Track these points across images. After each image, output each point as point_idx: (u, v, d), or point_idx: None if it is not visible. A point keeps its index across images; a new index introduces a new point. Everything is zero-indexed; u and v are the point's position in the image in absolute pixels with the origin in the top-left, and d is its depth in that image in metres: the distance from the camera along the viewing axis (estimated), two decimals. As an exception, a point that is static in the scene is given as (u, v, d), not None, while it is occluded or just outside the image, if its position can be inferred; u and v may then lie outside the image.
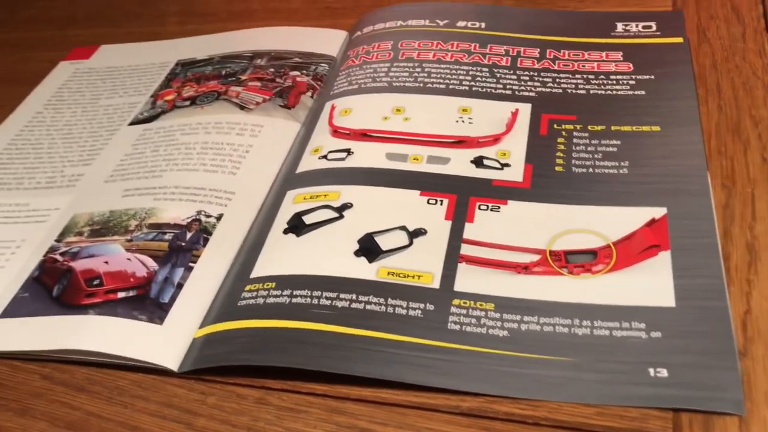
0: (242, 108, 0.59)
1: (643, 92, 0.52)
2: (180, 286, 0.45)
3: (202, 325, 0.43)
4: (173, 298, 0.44)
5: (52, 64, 0.72)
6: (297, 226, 0.46)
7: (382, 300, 0.41)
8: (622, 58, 0.55)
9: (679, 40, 0.56)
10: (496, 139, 0.50)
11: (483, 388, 0.37)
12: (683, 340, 0.37)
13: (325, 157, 0.51)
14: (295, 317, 0.41)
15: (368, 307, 0.41)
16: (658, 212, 0.43)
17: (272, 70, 0.63)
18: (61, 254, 0.49)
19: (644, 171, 0.46)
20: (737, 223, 0.43)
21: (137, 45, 0.72)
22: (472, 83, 0.55)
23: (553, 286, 0.41)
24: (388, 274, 0.42)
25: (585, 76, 0.54)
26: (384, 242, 0.44)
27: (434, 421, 0.37)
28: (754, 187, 0.45)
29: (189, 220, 0.49)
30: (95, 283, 0.46)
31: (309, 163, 0.51)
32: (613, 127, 0.49)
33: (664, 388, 0.35)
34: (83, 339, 0.43)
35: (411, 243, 0.44)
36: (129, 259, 0.47)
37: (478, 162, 0.48)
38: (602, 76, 0.54)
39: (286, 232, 0.46)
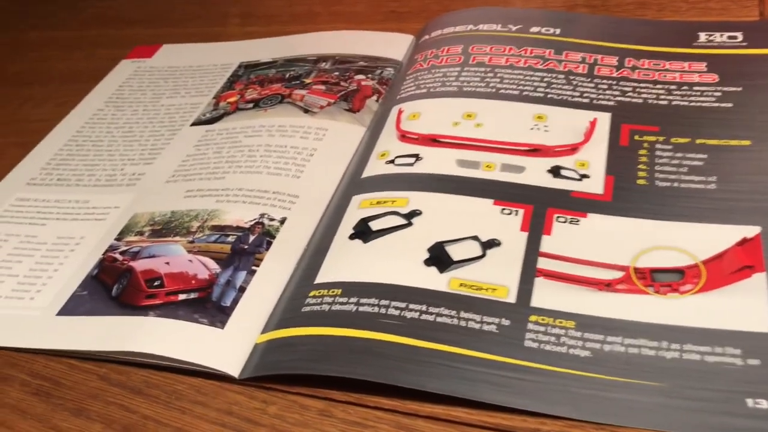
0: (306, 111, 0.57)
1: (730, 104, 0.49)
2: (242, 289, 0.44)
3: (264, 331, 0.42)
4: (235, 302, 0.43)
5: (113, 62, 0.72)
6: (364, 231, 0.45)
7: (454, 312, 0.39)
8: (706, 69, 0.52)
9: (768, 51, 0.53)
10: (573, 149, 0.47)
11: (564, 411, 0.35)
12: (785, 370, 0.34)
13: (392, 161, 0.49)
14: (363, 326, 0.39)
15: (439, 319, 0.39)
16: (751, 231, 0.40)
17: (337, 73, 0.61)
18: (121, 253, 0.48)
19: (734, 187, 0.43)
20: (839, 245, 0.40)
21: (199, 45, 0.72)
22: (548, 90, 0.52)
23: (637, 306, 0.38)
24: (460, 285, 0.40)
25: (666, 86, 0.51)
26: (455, 252, 0.42)
27: (511, 444, 0.35)
28: None
29: (252, 222, 0.48)
30: (156, 284, 0.45)
31: (375, 167, 0.50)
32: (698, 141, 0.47)
33: (764, 420, 0.33)
34: (143, 341, 0.42)
35: (484, 254, 0.42)
36: (190, 260, 0.46)
37: (555, 172, 0.46)
38: (685, 87, 0.51)
39: (352, 237, 0.45)
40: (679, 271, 0.39)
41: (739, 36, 0.55)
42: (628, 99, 0.51)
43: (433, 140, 0.50)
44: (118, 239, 0.50)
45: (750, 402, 0.33)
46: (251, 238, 0.47)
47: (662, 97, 0.51)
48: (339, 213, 0.47)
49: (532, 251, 0.41)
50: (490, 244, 0.42)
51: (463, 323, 0.39)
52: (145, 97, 0.66)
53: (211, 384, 0.40)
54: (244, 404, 0.39)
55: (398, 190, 0.47)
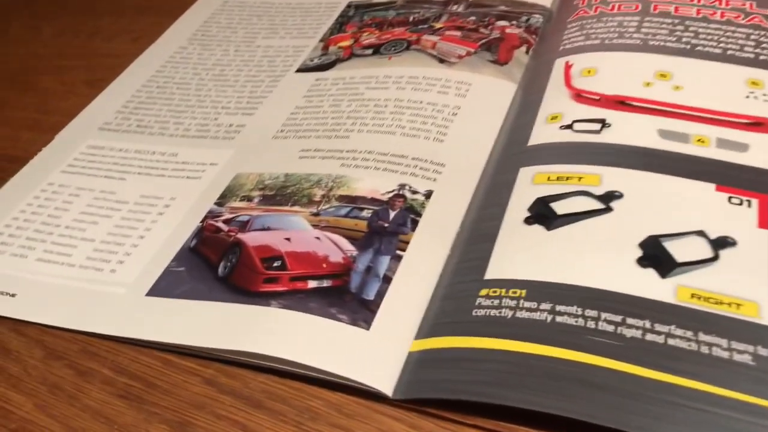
0: (441, 61, 0.47)
1: None
2: (387, 279, 0.34)
3: (418, 336, 0.32)
4: (380, 295, 0.33)
5: (196, -5, 0.62)
6: (545, 215, 0.35)
7: (689, 333, 0.29)
8: None
9: None
10: (811, 125, 0.37)
11: None
12: None
13: (569, 127, 0.39)
14: (565, 344, 0.29)
15: (670, 341, 0.29)
16: None
17: (474, 18, 0.51)
18: (225, 222, 0.39)
19: None
20: None
21: (298, -20, 0.62)
22: (758, 50, 0.42)
23: None
24: (692, 296, 0.30)
25: None
26: (677, 251, 0.32)
27: None
28: None
29: (391, 195, 0.38)
30: (275, 264, 0.35)
31: (547, 133, 0.39)
32: None
33: None
34: (265, 340, 0.32)
35: (716, 256, 0.32)
36: (318, 237, 0.37)
37: (793, 153, 0.36)
38: None
39: (529, 222, 0.35)
40: None
41: None
42: None
43: (621, 103, 0.40)
44: (219, 204, 0.40)
45: None
46: (392, 214, 0.37)
47: None
48: (503, 188, 0.37)
49: (781, 256, 0.31)
50: (721, 243, 0.32)
51: (704, 349, 0.29)
52: (237, 36, 0.56)
53: (356, 403, 0.31)
54: (402, 435, 0.30)
55: (584, 164, 0.37)
